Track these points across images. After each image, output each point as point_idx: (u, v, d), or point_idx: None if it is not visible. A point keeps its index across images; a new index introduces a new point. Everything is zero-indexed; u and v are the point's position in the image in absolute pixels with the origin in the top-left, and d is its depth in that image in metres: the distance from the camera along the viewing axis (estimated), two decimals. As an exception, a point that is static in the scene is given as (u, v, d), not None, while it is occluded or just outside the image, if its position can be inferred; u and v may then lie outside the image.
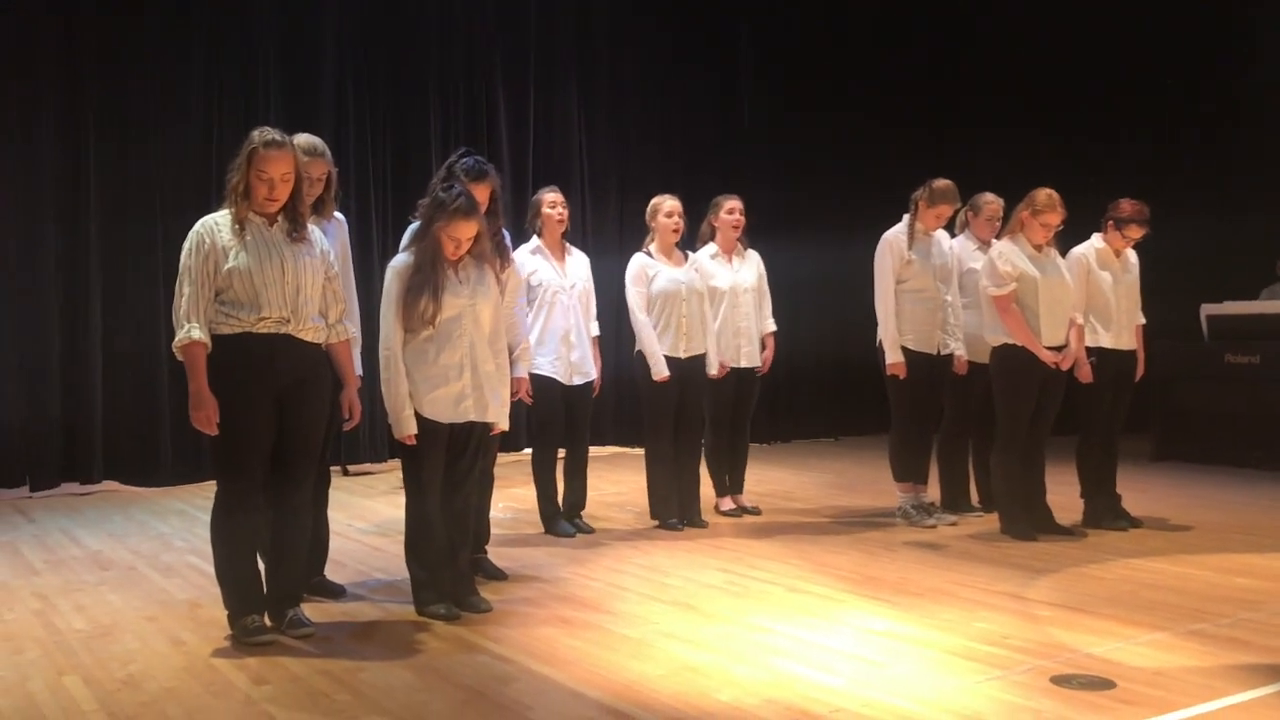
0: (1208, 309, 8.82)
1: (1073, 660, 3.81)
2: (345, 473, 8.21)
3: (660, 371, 5.98)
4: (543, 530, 6.08)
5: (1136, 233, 6.05)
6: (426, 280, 4.28)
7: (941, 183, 6.12)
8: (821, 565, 5.28)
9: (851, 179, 10.48)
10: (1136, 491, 6.64)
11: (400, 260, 4.39)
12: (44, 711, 3.42)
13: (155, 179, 7.83)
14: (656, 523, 6.19)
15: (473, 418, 4.40)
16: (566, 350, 5.98)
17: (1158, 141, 10.82)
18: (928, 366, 6.14)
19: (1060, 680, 3.60)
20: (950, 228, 6.43)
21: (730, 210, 6.42)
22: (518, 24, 9.36)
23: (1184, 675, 3.67)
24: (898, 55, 10.75)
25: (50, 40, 7.52)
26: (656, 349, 6.00)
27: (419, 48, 8.88)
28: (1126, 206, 6.05)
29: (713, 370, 6.19)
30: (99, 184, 7.66)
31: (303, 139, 4.52)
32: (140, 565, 5.42)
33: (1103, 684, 3.57)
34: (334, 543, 5.05)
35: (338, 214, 4.83)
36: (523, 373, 5.36)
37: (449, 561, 4.44)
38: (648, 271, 6.09)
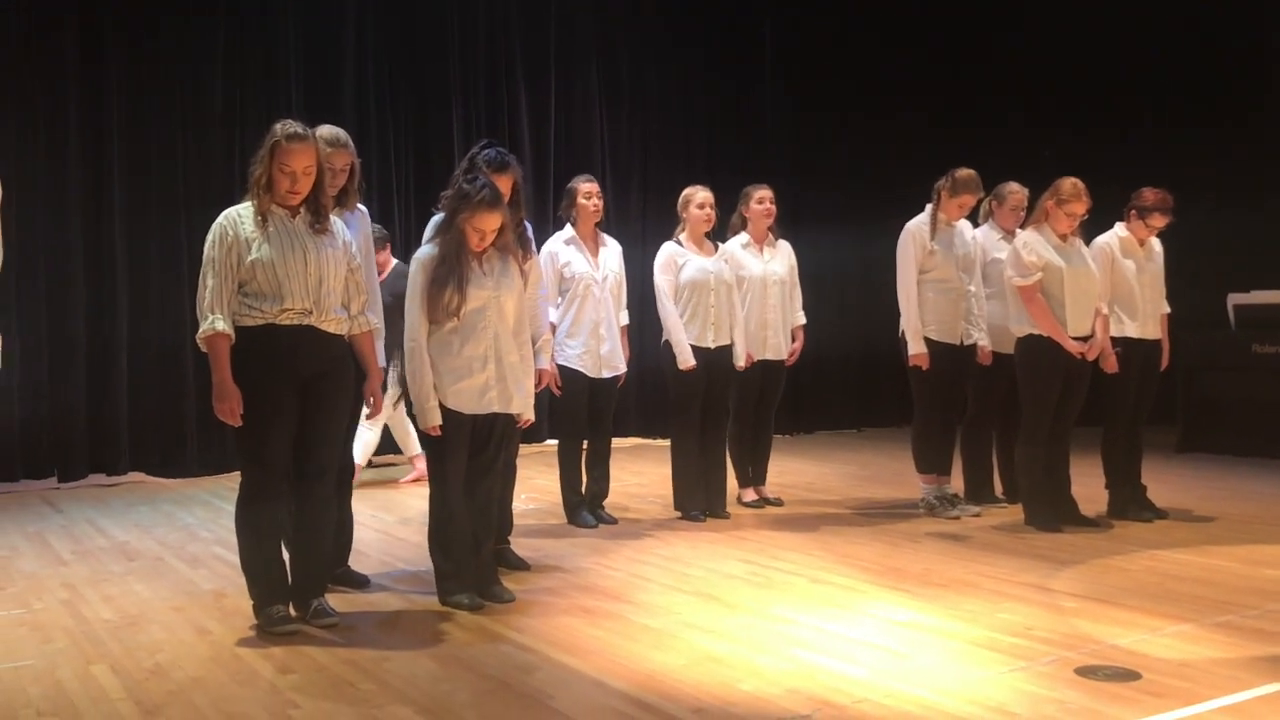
0: (1235, 298, 8.74)
1: (1098, 652, 3.79)
2: (369, 464, 8.24)
3: (686, 360, 5.97)
4: (565, 521, 6.09)
5: (1160, 221, 6.00)
6: (451, 272, 4.28)
7: (964, 172, 6.08)
8: (844, 556, 5.27)
9: (875, 170, 10.45)
10: (1162, 482, 6.59)
11: (425, 252, 4.40)
12: (73, 700, 3.45)
13: (179, 173, 7.88)
14: (679, 514, 6.19)
15: (496, 409, 4.40)
16: (596, 343, 5.96)
17: (1184, 129, 10.70)
18: (951, 357, 6.11)
19: (1085, 671, 3.58)
20: (974, 217, 6.40)
21: (761, 200, 6.39)
22: (539, 17, 9.36)
23: (1210, 667, 3.64)
24: (922, 46, 10.69)
25: (74, 36, 7.57)
26: (683, 337, 5.99)
27: (440, 41, 8.89)
28: (1149, 195, 6.00)
29: (740, 362, 6.17)
30: (124, 179, 7.72)
31: (326, 130, 4.53)
32: (167, 556, 5.46)
33: (1128, 675, 3.55)
34: (358, 533, 5.08)
35: (360, 205, 4.83)
36: (545, 364, 5.36)
37: (473, 552, 4.46)
38: (677, 260, 6.08)
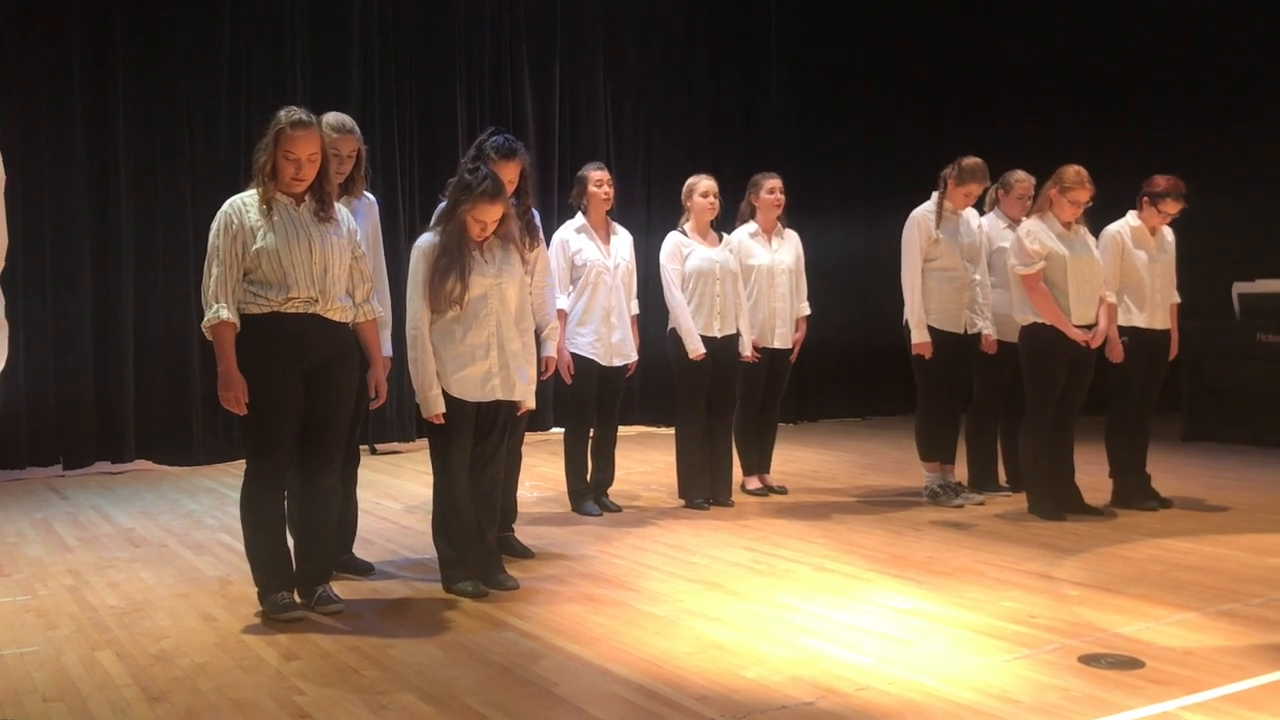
0: (1240, 287, 8.72)
1: (1101, 640, 3.80)
2: (373, 451, 8.25)
3: (696, 349, 5.97)
4: (569, 509, 6.10)
5: (1173, 207, 5.97)
6: (453, 262, 4.29)
7: (970, 160, 6.07)
8: (848, 544, 5.28)
9: (881, 159, 10.43)
10: (1166, 471, 6.59)
11: (426, 240, 4.40)
12: (78, 686, 3.47)
13: (185, 161, 7.87)
14: (684, 502, 6.20)
15: (499, 396, 4.41)
16: (608, 331, 5.96)
17: (1189, 119, 10.67)
18: (954, 346, 6.11)
19: (1089, 659, 3.59)
20: (980, 206, 6.38)
21: (771, 189, 6.39)
22: (545, 6, 9.33)
23: (1214, 655, 3.65)
24: (930, 37, 10.65)
25: (79, 23, 7.55)
26: (691, 326, 5.99)
27: (445, 29, 8.86)
28: (1161, 181, 5.98)
29: (746, 352, 6.18)
30: (130, 166, 7.70)
31: (331, 117, 4.53)
32: (172, 543, 5.47)
33: (1132, 663, 3.55)
34: (362, 521, 5.09)
35: (368, 194, 4.82)
36: (551, 351, 5.35)
37: (476, 539, 4.47)
38: (683, 250, 6.08)
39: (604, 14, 9.61)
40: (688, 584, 4.58)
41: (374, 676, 3.52)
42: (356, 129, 4.64)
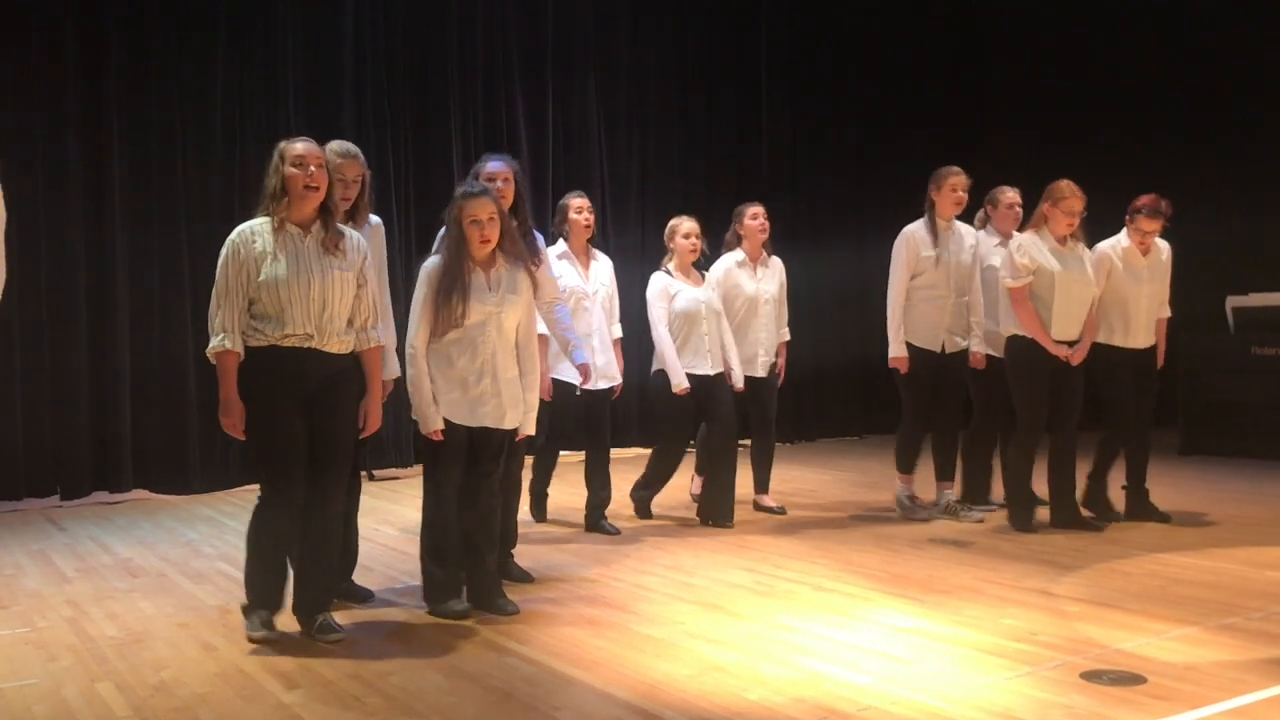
0: (1233, 301, 8.76)
1: (1103, 656, 3.80)
2: (371, 478, 8.24)
3: (680, 383, 6.05)
4: (568, 531, 6.10)
5: (1147, 225, 6.01)
6: (455, 281, 4.32)
7: (942, 168, 6.21)
8: (848, 564, 5.28)
9: (875, 181, 10.47)
10: (1164, 485, 6.60)
11: (431, 263, 4.45)
12: (79, 718, 3.45)
13: (180, 192, 7.89)
14: (634, 505, 6.46)
15: (489, 424, 4.42)
16: (589, 355, 5.96)
17: (1183, 134, 10.73)
18: (932, 363, 6.21)
19: (1090, 676, 3.59)
20: (970, 219, 6.46)
21: (755, 216, 6.49)
22: (537, 30, 9.38)
23: (1216, 670, 3.64)
24: (921, 62, 10.72)
25: (75, 52, 7.59)
26: (676, 362, 6.09)
27: (439, 57, 8.91)
28: (1141, 199, 6.08)
29: (739, 385, 6.31)
30: (124, 195, 7.72)
31: (336, 143, 4.62)
32: (170, 572, 5.46)
33: (1133, 679, 3.55)
34: (361, 547, 5.08)
35: (375, 217, 4.87)
36: (585, 359, 5.28)
37: (464, 560, 4.49)
38: (670, 290, 6.20)
39: (596, 38, 9.65)
40: (688, 606, 4.58)
41: (376, 704, 3.51)
42: (361, 155, 4.72)
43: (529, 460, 5.97)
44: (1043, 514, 6.02)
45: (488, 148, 8.98)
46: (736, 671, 3.73)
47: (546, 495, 6.46)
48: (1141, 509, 6.10)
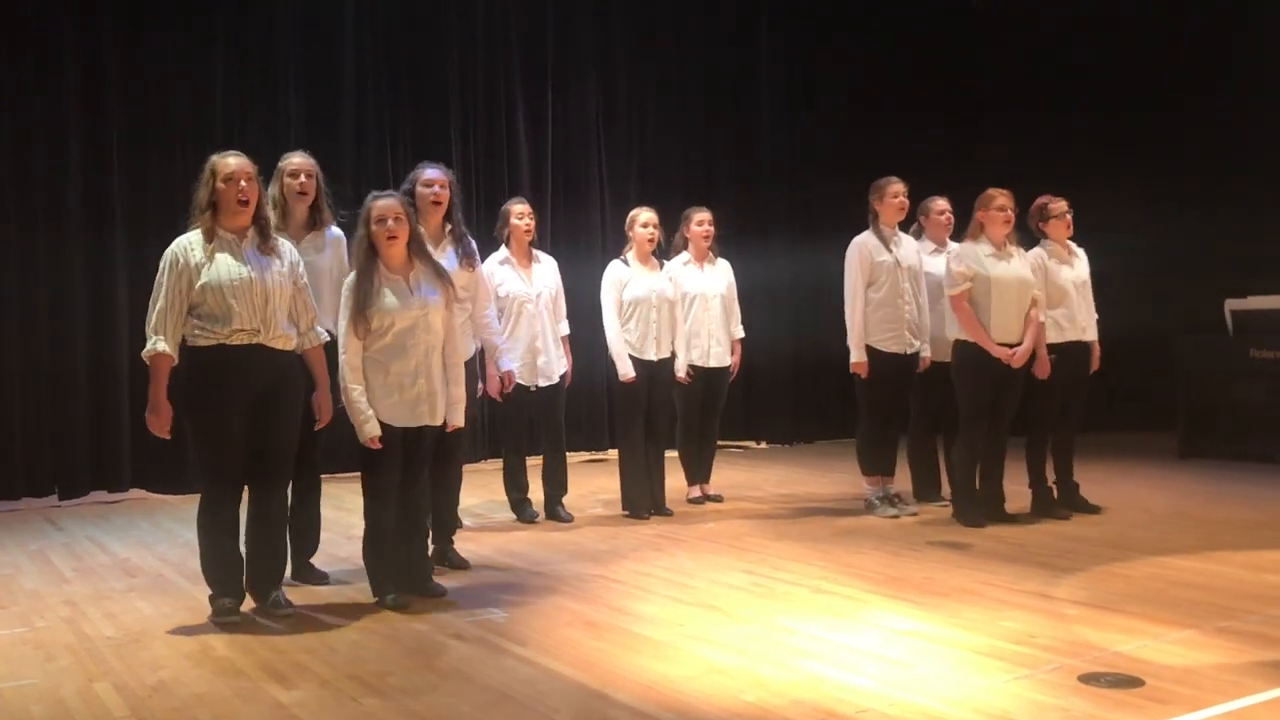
0: (1232, 304, 8.74)
1: (1101, 658, 3.80)
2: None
3: (626, 372, 6.31)
4: (573, 534, 6.11)
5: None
6: (371, 287, 4.47)
7: (880, 179, 6.46)
8: (846, 566, 5.28)
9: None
10: (1163, 488, 6.62)
11: (349, 279, 4.59)
12: (76, 718, 3.45)
13: (179, 193, 7.84)
14: (627, 513, 6.52)
15: (427, 422, 4.62)
16: (532, 356, 6.37)
17: (1180, 136, 10.72)
18: (896, 366, 6.34)
19: (1088, 679, 3.58)
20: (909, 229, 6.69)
21: (700, 222, 6.84)
22: (536, 34, 9.38)
23: (1214, 672, 3.64)
24: (922, 60, 10.71)
25: (74, 56, 7.59)
26: (622, 350, 6.35)
27: (437, 60, 8.92)
28: (1041, 201, 6.29)
29: (680, 374, 6.58)
30: (124, 198, 7.73)
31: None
32: (168, 572, 5.46)
33: (1132, 682, 3.55)
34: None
35: (334, 228, 5.10)
36: (507, 365, 5.88)
37: (402, 552, 4.69)
38: (622, 278, 6.42)
39: (595, 39, 9.65)
40: (686, 607, 4.58)
41: (373, 705, 3.50)
42: (307, 154, 5.03)
43: (500, 463, 6.34)
44: (1020, 505, 6.19)
45: (487, 150, 9.08)
46: (735, 673, 3.73)
47: (528, 500, 6.54)
48: (1058, 503, 6.28)
